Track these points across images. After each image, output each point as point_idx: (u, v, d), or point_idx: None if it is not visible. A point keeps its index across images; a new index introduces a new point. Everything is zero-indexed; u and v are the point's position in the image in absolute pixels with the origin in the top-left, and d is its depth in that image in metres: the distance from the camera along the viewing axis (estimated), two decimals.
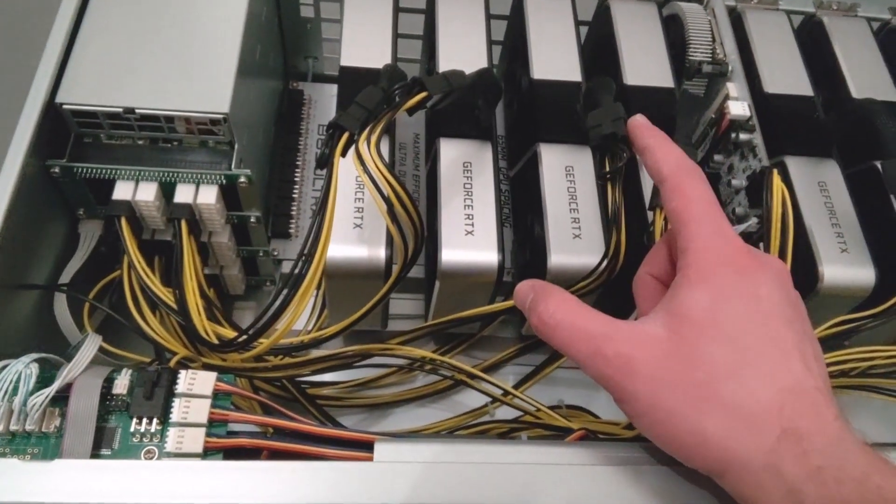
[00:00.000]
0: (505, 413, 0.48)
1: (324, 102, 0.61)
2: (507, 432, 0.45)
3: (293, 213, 0.54)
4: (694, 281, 0.28)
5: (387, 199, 0.32)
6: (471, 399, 0.50)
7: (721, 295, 0.28)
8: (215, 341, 0.36)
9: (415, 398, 0.49)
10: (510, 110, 0.57)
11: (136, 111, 0.38)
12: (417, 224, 0.34)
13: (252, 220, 0.44)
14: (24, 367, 0.30)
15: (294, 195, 0.55)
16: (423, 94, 0.35)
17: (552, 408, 0.47)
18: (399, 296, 0.53)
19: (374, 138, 0.32)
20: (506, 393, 0.44)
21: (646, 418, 0.28)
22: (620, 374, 0.28)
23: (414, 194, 0.55)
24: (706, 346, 0.27)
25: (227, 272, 0.47)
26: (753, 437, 0.25)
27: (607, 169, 0.38)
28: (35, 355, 0.31)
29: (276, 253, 0.51)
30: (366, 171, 0.32)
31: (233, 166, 0.40)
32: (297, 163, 0.56)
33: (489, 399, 0.47)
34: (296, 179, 0.56)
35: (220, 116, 0.39)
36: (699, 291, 0.28)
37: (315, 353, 0.43)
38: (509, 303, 0.41)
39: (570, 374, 0.52)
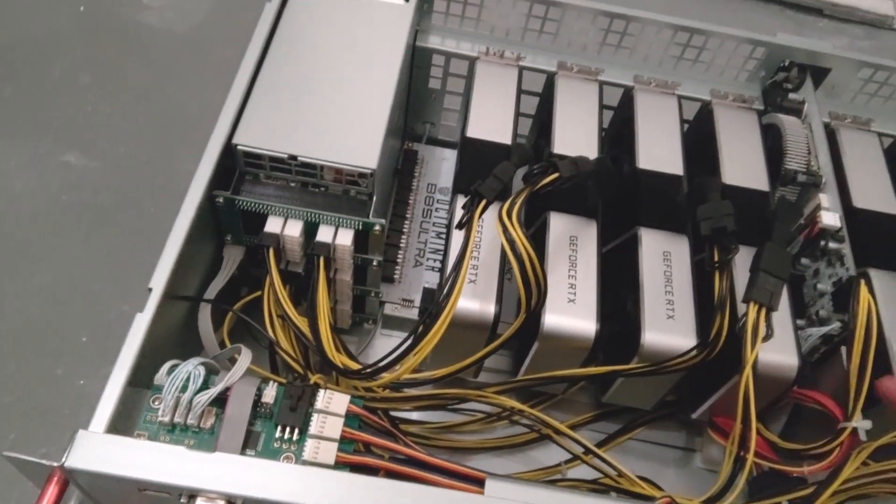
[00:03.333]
0: (580, 473, 0.50)
1: (434, 164, 0.66)
2: (596, 493, 0.48)
3: (399, 260, 0.59)
4: None
5: (521, 262, 0.37)
6: (545, 456, 0.53)
7: None
8: (341, 366, 0.41)
9: (493, 448, 0.53)
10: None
11: (298, 158, 0.44)
12: (543, 286, 0.38)
13: (374, 263, 0.49)
14: (194, 368, 0.35)
15: (401, 244, 0.60)
16: (556, 175, 0.39)
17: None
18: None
19: (515, 209, 0.37)
20: (588, 452, 0.47)
21: None
22: None
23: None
24: None
25: (341, 307, 0.52)
26: None
27: (716, 259, 0.42)
28: (201, 359, 0.36)
29: (381, 295, 0.56)
30: (507, 237, 0.36)
31: (370, 215, 0.45)
32: (406, 215, 0.62)
33: (565, 459, 0.50)
34: (404, 230, 0.61)
35: (368, 171, 0.44)
36: None
37: (414, 391, 0.47)
38: (604, 368, 0.45)
39: (641, 447, 0.55)
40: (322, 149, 0.44)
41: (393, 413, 0.50)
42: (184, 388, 0.35)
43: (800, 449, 0.45)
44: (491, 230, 0.45)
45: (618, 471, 0.45)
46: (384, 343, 0.57)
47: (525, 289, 0.38)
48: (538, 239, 0.50)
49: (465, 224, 0.38)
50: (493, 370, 0.56)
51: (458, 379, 0.53)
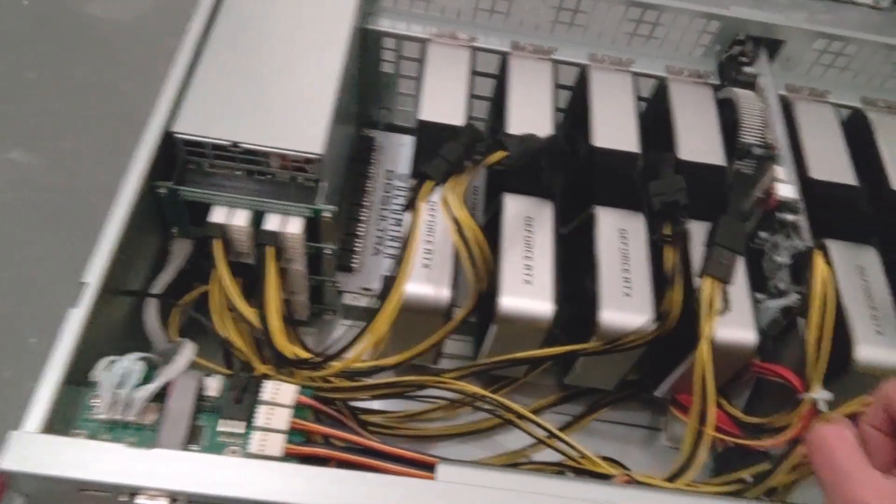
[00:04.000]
0: (545, 456, 0.50)
1: (392, 150, 0.65)
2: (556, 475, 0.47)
3: (357, 249, 0.58)
4: None
5: (467, 244, 0.36)
6: (510, 441, 0.52)
7: None
8: (292, 358, 0.40)
9: (457, 434, 0.52)
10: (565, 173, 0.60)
11: (241, 145, 0.43)
12: (492, 268, 0.37)
13: (327, 251, 0.48)
14: (132, 364, 0.34)
15: (359, 233, 0.59)
16: (504, 154, 0.38)
17: None
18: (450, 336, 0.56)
19: (460, 188, 0.36)
20: (551, 435, 0.46)
21: None
22: None
23: None
24: None
25: (296, 298, 0.51)
26: None
27: (667, 233, 0.41)
28: (140, 354, 0.35)
29: (338, 285, 0.55)
30: (452, 217, 0.35)
31: (319, 202, 0.44)
32: (364, 203, 0.61)
33: (530, 442, 0.49)
34: (361, 218, 0.60)
35: (315, 156, 0.43)
36: None
37: (372, 380, 0.46)
38: (562, 348, 0.44)
39: (606, 427, 0.54)
40: (266, 135, 0.43)
41: (355, 403, 0.50)
42: (122, 385, 0.34)
43: (762, 423, 0.45)
44: None
45: (580, 452, 0.45)
46: (344, 333, 0.56)
47: (473, 271, 0.37)
48: (496, 222, 0.49)
49: (411, 205, 0.37)
50: (456, 356, 0.55)
51: (420, 366, 0.52)
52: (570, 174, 0.58)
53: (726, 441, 0.49)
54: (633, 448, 0.54)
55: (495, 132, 0.57)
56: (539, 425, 0.46)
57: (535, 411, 0.54)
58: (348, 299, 0.56)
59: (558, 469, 0.47)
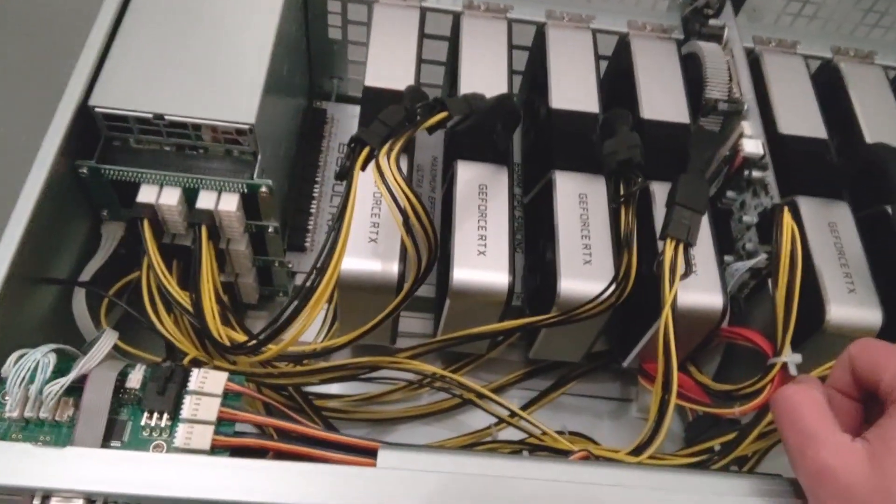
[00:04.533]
0: (510, 435, 0.48)
1: (346, 122, 0.62)
2: (511, 453, 0.45)
3: (309, 227, 0.55)
4: None
5: (403, 212, 0.33)
6: (474, 420, 0.50)
7: None
8: (227, 344, 0.37)
9: (420, 416, 0.50)
10: (527, 138, 0.58)
11: (166, 118, 0.40)
12: (432, 238, 0.35)
13: (270, 230, 0.45)
14: (42, 357, 0.31)
15: (312, 210, 0.56)
16: (444, 114, 0.36)
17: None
18: (409, 314, 0.53)
19: (394, 153, 0.33)
20: (513, 414, 0.44)
21: None
22: (812, 479, 0.28)
23: None
24: None
25: (242, 280, 0.48)
26: None
27: (622, 193, 0.39)
28: (53, 346, 0.32)
29: (290, 265, 0.52)
30: (384, 183, 0.33)
31: (255, 176, 0.41)
32: (317, 179, 0.58)
33: (494, 421, 0.47)
34: (314, 195, 0.57)
35: (246, 127, 0.40)
36: None
37: (324, 363, 0.44)
38: (518, 322, 0.42)
39: (575, 401, 0.52)
40: (193, 106, 0.40)
41: (311, 388, 0.47)
42: (32, 379, 0.31)
43: (731, 390, 0.43)
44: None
45: (541, 430, 0.43)
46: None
47: (412, 243, 0.34)
48: (451, 192, 0.46)
49: (345, 174, 0.34)
50: (416, 335, 0.53)
51: (378, 347, 0.50)
52: (533, 139, 0.56)
53: (697, 410, 0.47)
54: (604, 421, 0.52)
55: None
56: (500, 403, 0.44)
57: (502, 388, 0.52)
58: (301, 280, 0.53)
59: (521, 447, 0.45)
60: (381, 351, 0.47)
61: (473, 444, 0.48)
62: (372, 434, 0.49)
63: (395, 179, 0.32)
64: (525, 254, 0.54)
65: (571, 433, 0.49)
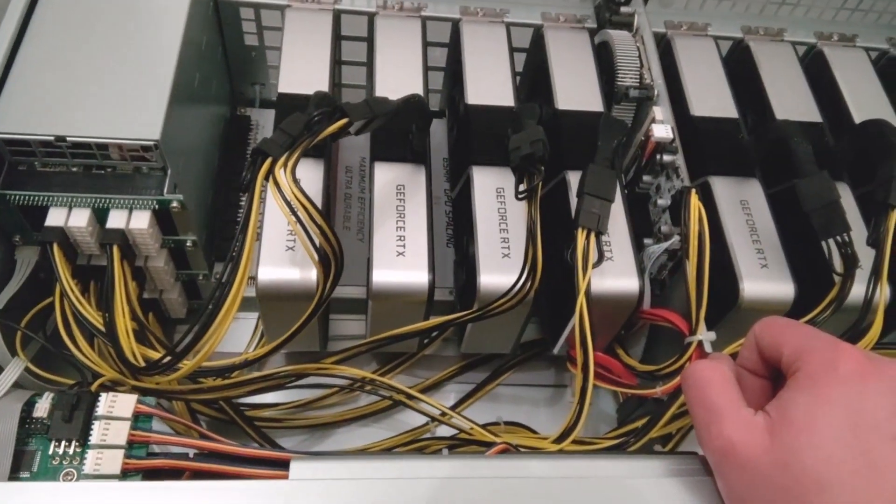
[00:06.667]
0: (445, 431, 0.48)
1: (270, 128, 0.62)
2: (431, 454, 0.46)
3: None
4: (802, 385, 0.28)
5: (301, 223, 0.33)
6: (413, 418, 0.50)
7: (821, 401, 0.27)
8: (142, 364, 0.37)
9: (356, 418, 0.50)
10: (451, 135, 0.58)
11: (67, 139, 0.39)
12: (334, 244, 0.35)
13: (188, 244, 0.45)
14: None
15: (239, 219, 0.55)
16: (344, 121, 0.36)
17: (490, 425, 0.48)
18: (343, 317, 0.53)
19: (290, 164, 0.33)
20: (444, 413, 0.45)
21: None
22: (716, 454, 0.29)
23: (360, 216, 0.57)
24: (799, 452, 0.27)
25: (167, 296, 0.48)
26: None
27: (525, 188, 0.39)
28: None
29: (217, 276, 0.52)
30: (281, 195, 0.33)
31: (165, 192, 0.41)
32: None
33: (429, 418, 0.48)
34: (241, 204, 0.56)
35: (151, 143, 0.40)
36: (801, 395, 0.28)
37: (251, 374, 0.44)
38: (438, 320, 0.42)
39: (512, 391, 0.53)
40: (96, 125, 0.40)
41: (244, 400, 0.47)
42: None
43: (654, 370, 0.44)
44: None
45: (469, 424, 0.43)
46: (232, 329, 0.53)
47: (315, 252, 0.35)
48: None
49: (247, 186, 0.34)
50: (353, 337, 0.53)
51: (309, 354, 0.50)
52: (456, 134, 0.56)
53: (626, 393, 0.48)
54: (541, 408, 0.53)
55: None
56: (429, 403, 0.44)
57: (439, 383, 0.52)
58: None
59: (453, 443, 0.46)
60: (312, 357, 0.48)
61: (411, 442, 0.48)
62: (310, 440, 0.50)
63: (292, 191, 0.32)
64: (455, 248, 0.54)
65: (507, 423, 0.50)
